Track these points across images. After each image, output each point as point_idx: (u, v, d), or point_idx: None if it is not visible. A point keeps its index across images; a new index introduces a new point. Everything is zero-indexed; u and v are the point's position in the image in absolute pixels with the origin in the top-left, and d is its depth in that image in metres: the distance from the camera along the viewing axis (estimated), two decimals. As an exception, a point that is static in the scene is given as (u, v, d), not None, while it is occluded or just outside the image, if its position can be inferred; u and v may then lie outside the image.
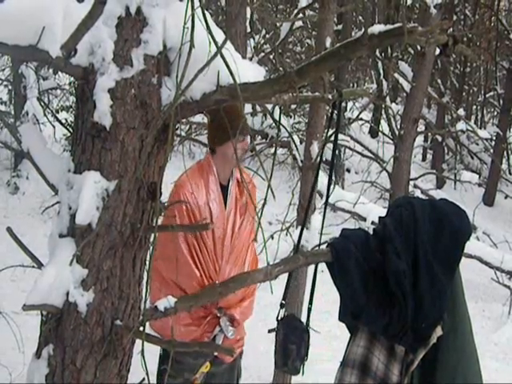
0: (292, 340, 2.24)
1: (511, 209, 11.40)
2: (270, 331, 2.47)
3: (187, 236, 2.79)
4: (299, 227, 4.21)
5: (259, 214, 1.81)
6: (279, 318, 2.40)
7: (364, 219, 5.95)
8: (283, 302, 2.48)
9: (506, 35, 11.95)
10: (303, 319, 2.47)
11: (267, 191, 1.74)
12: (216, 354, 2.90)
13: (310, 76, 1.67)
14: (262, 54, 7.94)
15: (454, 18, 11.95)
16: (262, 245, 1.90)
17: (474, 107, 15.98)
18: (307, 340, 2.26)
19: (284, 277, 2.20)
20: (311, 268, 2.40)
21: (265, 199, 1.73)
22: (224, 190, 2.92)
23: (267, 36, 8.86)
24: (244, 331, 3.09)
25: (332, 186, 2.70)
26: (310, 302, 2.35)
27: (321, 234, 2.38)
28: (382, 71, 9.02)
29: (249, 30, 6.48)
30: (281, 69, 7.04)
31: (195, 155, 10.41)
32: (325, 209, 2.39)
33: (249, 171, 3.16)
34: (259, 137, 7.74)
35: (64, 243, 1.84)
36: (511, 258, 6.73)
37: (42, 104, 8.72)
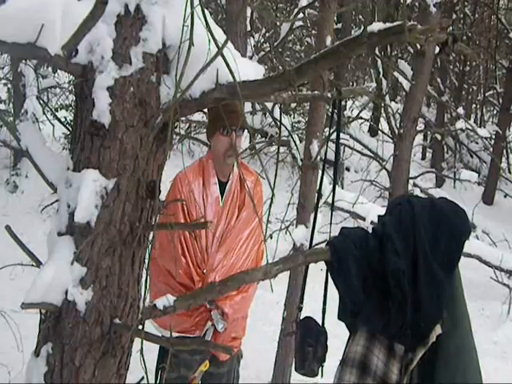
0: (308, 342, 2.22)
1: (510, 207, 11.40)
2: (287, 334, 2.45)
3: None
4: (299, 226, 4.21)
5: (266, 215, 1.81)
6: (297, 320, 2.38)
7: (363, 219, 5.94)
8: (301, 305, 2.47)
9: (505, 34, 11.95)
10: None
11: (272, 193, 1.73)
12: (213, 353, 2.90)
13: (310, 74, 1.66)
14: (262, 53, 7.93)
15: (454, 16, 11.95)
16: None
17: (474, 106, 16.01)
18: (324, 341, 2.24)
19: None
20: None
21: (271, 200, 1.72)
22: (223, 186, 2.93)
23: (267, 35, 8.85)
24: (243, 332, 3.08)
25: (331, 186, 2.70)
26: (324, 303, 2.33)
27: (330, 232, 2.37)
28: (381, 70, 9.00)
29: (249, 28, 6.47)
30: (280, 67, 7.04)
31: (194, 154, 10.41)
32: (332, 209, 2.38)
33: (255, 172, 3.15)
34: (259, 135, 7.74)
35: (63, 241, 1.83)
36: (510, 256, 6.73)
37: (41, 102, 8.72)
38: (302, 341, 2.24)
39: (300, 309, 2.46)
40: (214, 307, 2.87)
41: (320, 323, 2.29)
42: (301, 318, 2.36)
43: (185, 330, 2.85)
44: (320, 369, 2.24)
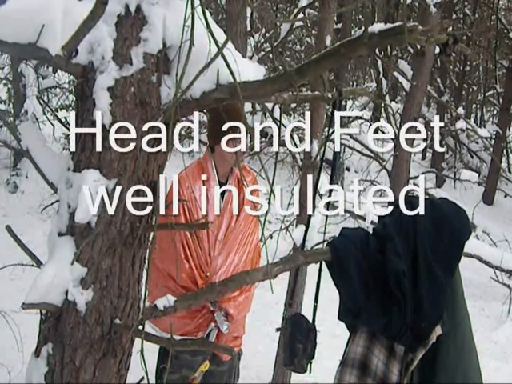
0: (298, 339, 2.23)
1: (511, 207, 11.40)
2: (277, 330, 2.47)
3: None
4: (299, 226, 4.20)
5: (264, 216, 1.81)
6: (286, 316, 2.40)
7: (363, 218, 5.94)
8: (290, 301, 2.48)
9: (505, 34, 11.94)
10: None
11: (270, 194, 1.73)
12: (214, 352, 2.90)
13: (310, 75, 1.66)
14: (262, 53, 7.93)
15: (454, 16, 11.95)
16: (262, 243, 1.90)
17: (474, 106, 15.99)
18: (314, 339, 2.25)
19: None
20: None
21: (269, 201, 1.73)
22: (222, 186, 2.93)
23: (267, 35, 8.85)
24: (243, 330, 3.08)
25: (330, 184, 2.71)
26: (316, 301, 2.34)
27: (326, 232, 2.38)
28: (381, 70, 9.01)
29: (249, 28, 6.47)
30: (280, 68, 7.04)
31: (194, 154, 10.39)
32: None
33: (253, 172, 3.15)
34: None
35: (63, 242, 1.83)
36: (511, 256, 6.72)
37: (42, 103, 8.72)
38: (292, 337, 2.25)
39: (289, 305, 2.48)
40: (217, 308, 2.86)
41: (310, 320, 2.30)
42: (291, 314, 2.38)
43: (187, 333, 2.85)
44: (309, 365, 2.26)
